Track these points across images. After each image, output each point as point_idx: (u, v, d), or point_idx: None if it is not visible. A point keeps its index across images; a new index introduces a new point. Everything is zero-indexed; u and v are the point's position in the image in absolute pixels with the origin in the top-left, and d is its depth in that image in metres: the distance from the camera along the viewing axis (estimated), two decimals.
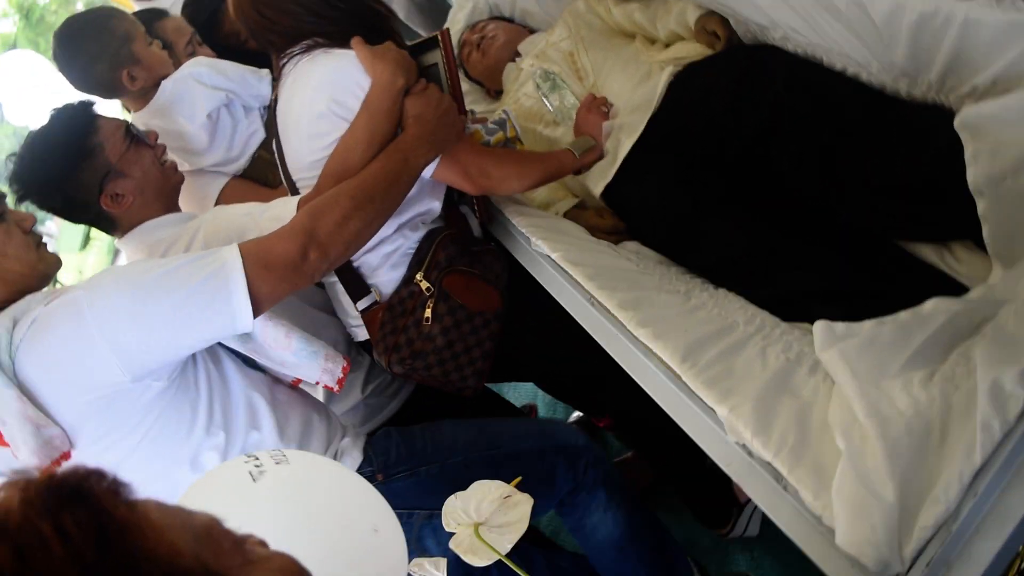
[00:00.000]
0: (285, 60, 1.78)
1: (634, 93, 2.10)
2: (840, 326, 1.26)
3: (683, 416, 1.35)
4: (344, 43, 1.73)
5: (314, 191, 1.66)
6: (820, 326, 1.27)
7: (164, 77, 2.33)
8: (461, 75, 2.77)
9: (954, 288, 1.45)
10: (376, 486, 1.56)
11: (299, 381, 1.74)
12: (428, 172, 1.77)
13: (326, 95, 1.70)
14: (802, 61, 1.74)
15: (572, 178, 2.20)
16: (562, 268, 1.75)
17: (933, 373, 1.16)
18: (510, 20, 2.88)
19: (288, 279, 1.45)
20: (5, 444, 1.32)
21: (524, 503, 1.11)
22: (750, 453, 1.22)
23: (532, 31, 2.78)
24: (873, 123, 1.57)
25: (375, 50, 1.69)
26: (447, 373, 1.85)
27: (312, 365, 1.65)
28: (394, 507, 1.55)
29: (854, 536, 1.02)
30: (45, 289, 1.52)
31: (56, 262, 1.57)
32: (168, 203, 1.94)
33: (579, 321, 1.65)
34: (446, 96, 1.77)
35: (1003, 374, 1.00)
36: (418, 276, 1.83)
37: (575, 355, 1.96)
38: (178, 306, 1.35)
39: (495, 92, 2.79)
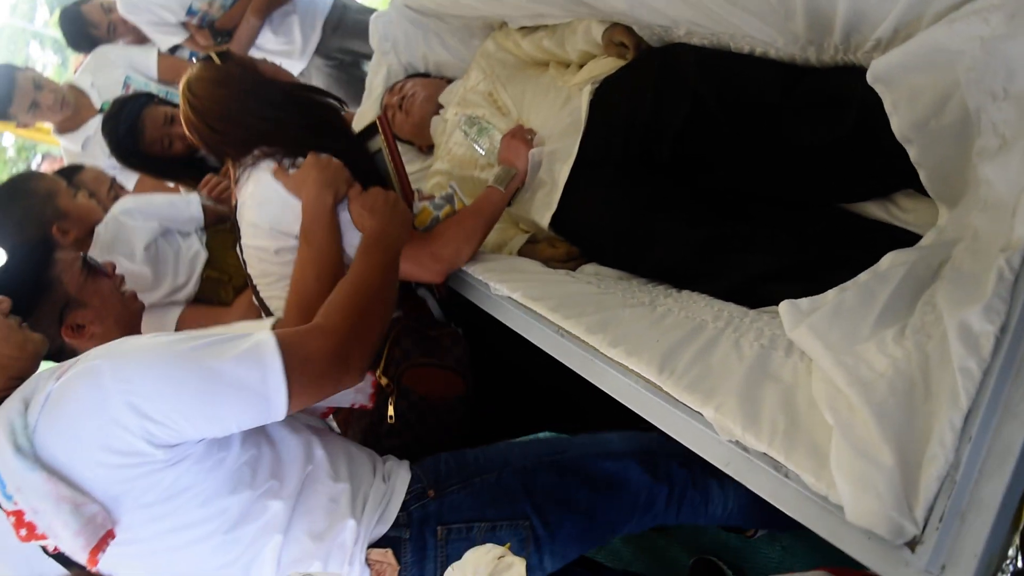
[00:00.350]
0: (240, 168, 1.80)
1: (559, 119, 2.11)
2: (804, 302, 1.25)
3: (673, 426, 1.34)
4: (296, 148, 1.75)
5: (284, 322, 1.56)
6: (785, 306, 1.27)
7: (96, 224, 2.33)
8: None
9: (908, 238, 1.45)
10: (430, 504, 1.57)
11: (329, 411, 1.73)
12: None
13: (267, 223, 1.74)
14: (711, 51, 1.76)
15: (521, 216, 2.20)
16: (525, 306, 1.73)
17: (904, 327, 1.15)
18: (426, 75, 2.90)
19: (330, 376, 1.39)
20: (39, 537, 1.24)
21: (518, 565, 1.10)
22: (745, 448, 1.20)
23: (450, 80, 2.80)
24: (791, 95, 1.59)
25: (297, 175, 1.70)
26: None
27: (341, 399, 1.66)
28: (451, 522, 1.56)
29: (862, 508, 1.00)
30: (46, 369, 1.43)
31: (43, 340, 1.55)
32: (130, 332, 1.92)
33: (553, 355, 1.64)
34: (388, 193, 1.77)
35: (968, 314, 1.00)
36: (377, 373, 1.83)
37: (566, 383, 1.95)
38: (210, 384, 1.28)
39: (427, 148, 2.80)
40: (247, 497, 1.40)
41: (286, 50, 3.62)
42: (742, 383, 1.28)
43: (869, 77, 1.33)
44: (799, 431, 1.16)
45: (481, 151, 2.33)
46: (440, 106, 2.69)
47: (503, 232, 2.29)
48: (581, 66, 2.21)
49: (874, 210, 1.55)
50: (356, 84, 3.40)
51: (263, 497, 1.43)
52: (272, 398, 1.31)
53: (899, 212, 1.52)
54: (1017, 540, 0.99)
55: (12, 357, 1.47)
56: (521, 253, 2.15)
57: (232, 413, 1.30)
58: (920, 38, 1.22)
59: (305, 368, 1.34)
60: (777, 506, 1.16)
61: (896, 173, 1.42)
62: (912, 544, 0.98)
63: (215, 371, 1.28)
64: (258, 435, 1.49)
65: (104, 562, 1.29)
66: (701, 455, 1.28)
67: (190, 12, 3.41)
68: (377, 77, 2.95)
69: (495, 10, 2.36)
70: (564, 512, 1.60)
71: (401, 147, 2.86)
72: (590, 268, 1.98)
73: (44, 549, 1.28)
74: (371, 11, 3.17)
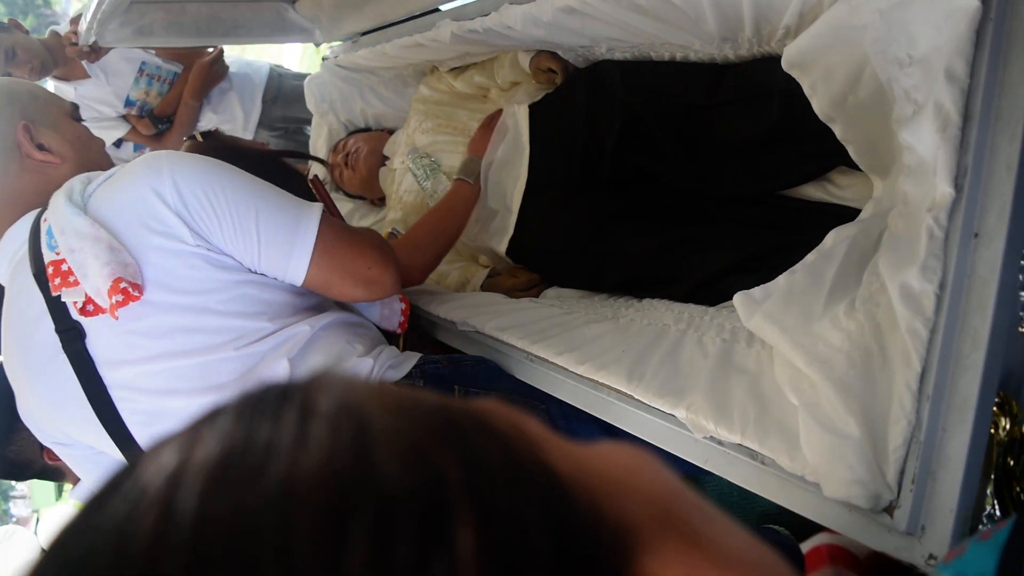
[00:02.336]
0: None
1: (502, 142, 2.13)
2: (757, 291, 1.27)
3: (649, 432, 1.35)
4: None
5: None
6: (739, 298, 1.28)
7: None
8: (341, 195, 2.82)
9: (850, 214, 1.47)
10: (444, 369, 1.65)
11: None
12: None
13: None
14: (633, 64, 1.80)
15: (478, 247, 2.22)
16: (493, 338, 1.75)
17: (854, 300, 1.16)
18: (367, 129, 2.93)
19: (359, 260, 1.51)
20: (71, 285, 1.34)
21: None
22: (720, 442, 1.21)
23: (391, 131, 2.83)
24: (716, 94, 1.62)
25: None
26: None
27: (371, 310, 1.74)
28: (467, 385, 1.64)
29: (837, 481, 1.01)
30: None
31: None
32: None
33: (527, 381, 1.65)
34: None
35: (907, 276, 1.02)
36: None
37: None
38: (254, 196, 1.41)
39: (379, 200, 2.82)
40: (267, 326, 1.45)
41: (228, 128, 3.63)
42: (709, 379, 1.29)
43: (784, 64, 1.36)
44: (769, 416, 1.17)
45: (427, 188, 2.35)
46: (386, 157, 2.72)
47: (464, 270, 2.31)
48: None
49: (814, 192, 1.58)
50: (303, 148, 3.43)
51: (284, 325, 1.48)
52: (299, 237, 1.42)
53: (836, 190, 1.55)
54: (991, 489, 1.01)
55: (98, 164, 1.59)
56: (484, 288, 2.17)
57: (262, 226, 1.40)
58: (824, 19, 1.25)
59: (341, 243, 1.48)
60: (761, 494, 1.17)
61: (827, 153, 1.45)
62: (890, 509, 0.99)
63: (260, 188, 1.44)
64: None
65: (117, 340, 1.37)
66: (680, 456, 1.29)
67: (128, 103, 3.42)
68: (320, 139, 2.98)
69: (422, 56, 2.39)
70: (577, 415, 1.56)
71: (353, 201, 2.90)
72: (552, 292, 2.00)
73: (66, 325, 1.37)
74: (306, 76, 3.21)
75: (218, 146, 1.86)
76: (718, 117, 1.63)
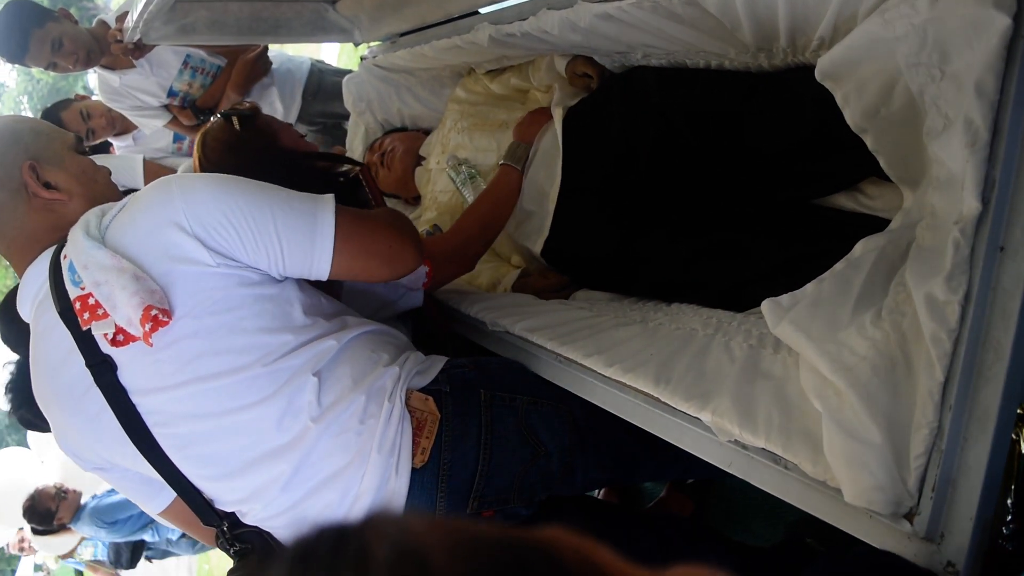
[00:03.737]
0: None
1: (539, 144, 2.15)
2: (785, 298, 1.29)
3: (675, 435, 1.37)
4: None
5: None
6: (767, 304, 1.30)
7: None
8: None
9: (879, 224, 1.48)
10: (470, 373, 1.65)
11: None
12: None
13: None
14: (669, 70, 1.82)
15: (512, 247, 2.25)
16: (523, 339, 1.77)
17: (880, 309, 1.18)
18: (403, 129, 2.96)
19: (381, 239, 1.53)
20: (100, 318, 1.35)
21: None
22: (744, 446, 1.23)
23: (427, 132, 2.86)
24: (750, 103, 1.64)
25: None
26: None
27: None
28: (493, 389, 1.63)
29: (858, 488, 1.03)
30: None
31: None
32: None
33: (555, 381, 1.67)
34: None
35: (932, 286, 1.03)
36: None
37: None
38: (267, 206, 1.42)
39: (413, 199, 2.85)
40: (290, 340, 1.46)
41: None
42: (735, 384, 1.31)
43: (817, 75, 1.38)
44: (793, 422, 1.19)
45: (469, 198, 2.38)
46: (421, 157, 2.75)
47: (496, 270, 2.34)
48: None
49: (844, 201, 1.60)
50: (341, 143, 3.47)
51: (311, 339, 1.48)
52: (318, 234, 1.44)
53: (867, 200, 1.56)
54: (1011, 500, 1.02)
55: (106, 197, 1.58)
56: (514, 288, 2.19)
57: (280, 234, 1.41)
58: (857, 32, 1.27)
59: (360, 229, 1.50)
60: (783, 497, 1.19)
61: (859, 163, 1.46)
62: (910, 516, 1.01)
63: (279, 196, 1.45)
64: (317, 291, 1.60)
65: (150, 371, 1.39)
66: (703, 458, 1.31)
67: (171, 94, 3.48)
68: (356, 138, 3.02)
69: (459, 58, 2.43)
70: (600, 417, 1.58)
71: (389, 200, 2.93)
72: (582, 294, 2.03)
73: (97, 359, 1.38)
74: (347, 72, 3.25)
75: (252, 136, 1.86)
76: (751, 125, 1.64)
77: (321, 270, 1.46)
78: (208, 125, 1.89)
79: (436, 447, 1.52)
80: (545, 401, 1.65)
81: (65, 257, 1.41)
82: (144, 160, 3.52)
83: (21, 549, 6.03)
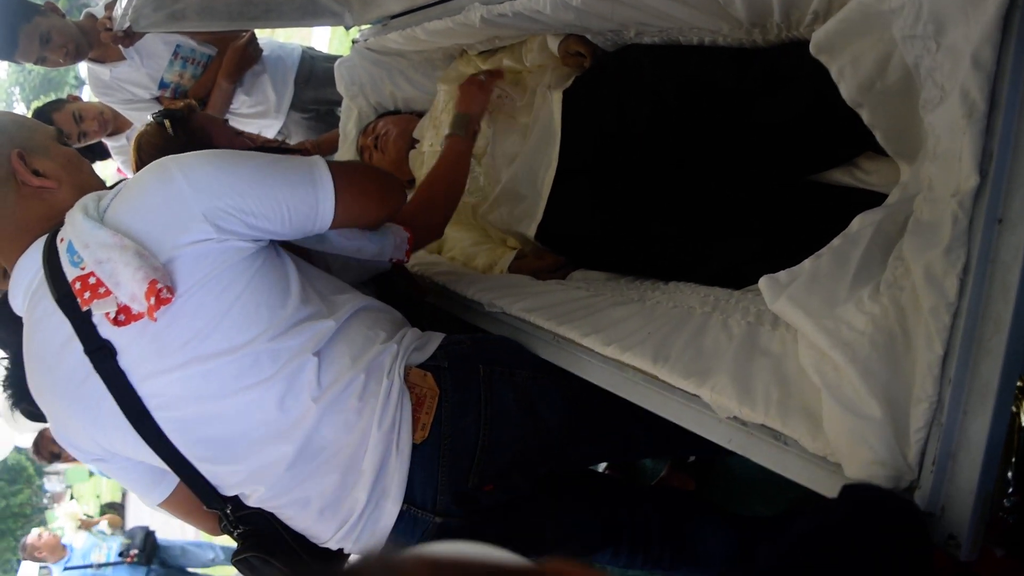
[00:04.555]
0: None
1: (533, 126, 2.15)
2: (782, 275, 1.29)
3: (673, 412, 1.37)
4: None
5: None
6: (764, 282, 1.30)
7: None
8: None
9: (876, 199, 1.48)
10: (467, 347, 1.66)
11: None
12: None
13: None
14: (662, 48, 1.81)
15: (507, 231, 2.24)
16: (520, 319, 1.77)
17: (878, 284, 1.18)
18: (396, 112, 2.95)
19: (372, 191, 1.61)
20: (101, 296, 1.35)
21: None
22: (743, 423, 1.23)
23: (420, 114, 2.84)
24: (745, 79, 1.63)
25: None
26: None
27: (385, 243, 1.76)
28: (491, 362, 1.63)
29: (858, 462, 1.03)
30: None
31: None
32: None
33: (553, 361, 1.67)
34: None
35: (931, 259, 1.03)
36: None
37: None
38: (264, 170, 1.45)
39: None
40: (290, 316, 1.47)
41: (261, 110, 3.67)
42: (733, 361, 1.31)
43: (812, 49, 1.37)
44: (792, 398, 1.19)
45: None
46: (415, 140, 2.74)
47: (492, 252, 2.33)
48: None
49: (840, 176, 1.59)
50: (329, 129, 3.46)
51: (309, 316, 1.50)
52: (319, 184, 1.48)
53: (863, 175, 1.55)
54: (1011, 472, 1.02)
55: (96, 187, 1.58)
56: (511, 270, 2.19)
57: (283, 192, 1.44)
58: (852, 5, 1.26)
59: (351, 174, 1.55)
60: (782, 473, 1.19)
61: (855, 138, 1.46)
62: (911, 490, 1.01)
63: (269, 159, 1.50)
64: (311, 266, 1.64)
65: (147, 353, 1.39)
66: (703, 435, 1.31)
67: (162, 85, 3.46)
68: (350, 122, 3.00)
69: (452, 39, 2.41)
70: (597, 393, 1.58)
71: None
72: (578, 274, 2.02)
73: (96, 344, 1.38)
74: (338, 58, 3.23)
75: (184, 138, 1.87)
76: (746, 102, 1.64)
77: (325, 218, 1.49)
78: (142, 128, 1.91)
79: (436, 422, 1.52)
80: (543, 375, 1.66)
81: (62, 240, 1.41)
82: None
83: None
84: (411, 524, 1.52)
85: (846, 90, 1.34)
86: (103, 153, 4.10)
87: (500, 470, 1.57)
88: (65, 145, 1.63)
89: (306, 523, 1.54)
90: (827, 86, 1.38)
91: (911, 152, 1.33)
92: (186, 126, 1.89)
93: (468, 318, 2.02)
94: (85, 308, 1.36)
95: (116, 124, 3.84)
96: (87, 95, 3.77)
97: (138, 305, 1.32)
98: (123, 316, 1.36)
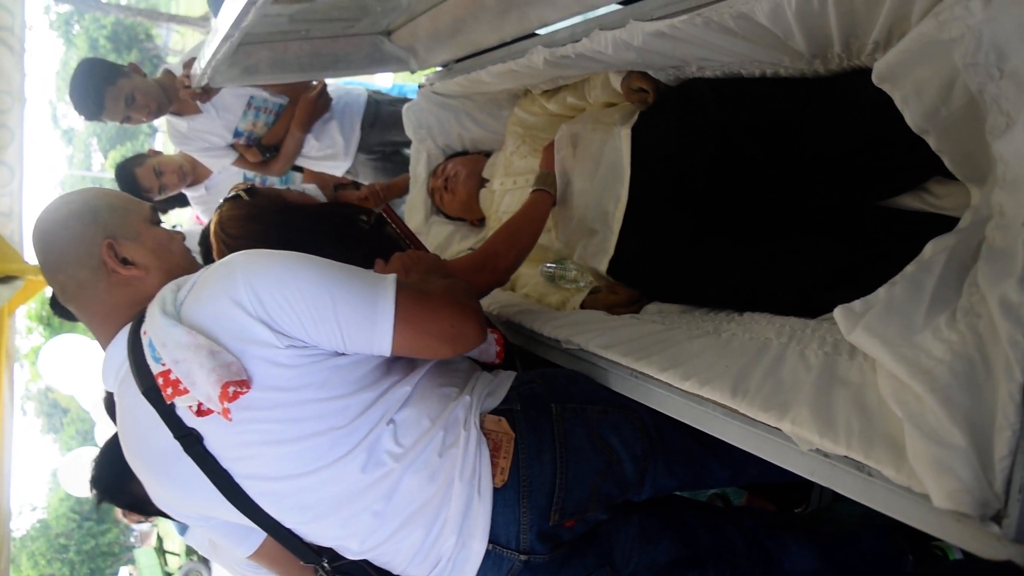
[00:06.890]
0: None
1: (600, 163, 2.18)
2: (857, 304, 1.29)
3: (754, 445, 1.38)
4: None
5: None
6: (839, 311, 1.31)
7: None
8: (442, 218, 2.92)
9: (947, 223, 1.48)
10: (538, 387, 1.70)
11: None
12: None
13: None
14: (724, 81, 1.83)
15: (579, 263, 2.28)
16: (597, 355, 1.80)
17: (955, 311, 1.18)
18: (464, 152, 3.01)
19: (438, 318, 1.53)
20: (181, 392, 1.40)
21: None
22: (826, 455, 1.24)
23: (488, 154, 2.90)
24: (808, 109, 1.64)
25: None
26: None
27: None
28: (563, 401, 1.67)
29: (945, 492, 1.03)
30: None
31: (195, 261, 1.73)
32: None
33: (631, 396, 1.69)
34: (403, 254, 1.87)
35: (1006, 288, 1.03)
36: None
37: None
38: (329, 288, 1.43)
39: (478, 221, 2.90)
40: (368, 397, 1.51)
41: (330, 154, 3.79)
42: (813, 392, 1.32)
43: (874, 79, 1.38)
44: (874, 429, 1.20)
45: (581, 283, 2.40)
46: (485, 180, 2.80)
47: (564, 290, 2.37)
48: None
49: (911, 201, 1.59)
50: (400, 170, 3.55)
51: (384, 390, 1.54)
52: (379, 310, 1.45)
53: (934, 199, 1.55)
54: None
55: (182, 268, 1.65)
56: (584, 305, 2.22)
57: (340, 316, 1.43)
58: (912, 35, 1.27)
59: (420, 306, 1.50)
60: (868, 504, 1.19)
61: (923, 163, 1.46)
62: (998, 518, 1.01)
63: (332, 272, 1.46)
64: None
65: (231, 439, 1.45)
66: (785, 468, 1.32)
67: (236, 134, 3.61)
68: (419, 165, 3.07)
69: (516, 81, 2.47)
70: (669, 424, 1.59)
71: (454, 223, 2.98)
72: (653, 307, 2.04)
73: (183, 431, 1.44)
74: (403, 101, 3.32)
75: (266, 202, 1.94)
76: (810, 130, 1.65)
77: (382, 350, 1.48)
78: (217, 213, 1.96)
79: (514, 465, 1.57)
80: (614, 409, 1.69)
81: (144, 333, 1.47)
82: None
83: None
84: (497, 563, 1.57)
85: (911, 117, 1.35)
86: (183, 201, 4.31)
87: (580, 505, 1.60)
88: (157, 224, 1.68)
89: (401, 567, 1.59)
90: (891, 113, 1.39)
91: (981, 176, 1.33)
92: (257, 192, 1.98)
93: (541, 353, 2.05)
94: (169, 403, 1.43)
95: (195, 175, 4.03)
96: (160, 141, 3.96)
97: (213, 405, 1.38)
98: (205, 407, 1.42)
